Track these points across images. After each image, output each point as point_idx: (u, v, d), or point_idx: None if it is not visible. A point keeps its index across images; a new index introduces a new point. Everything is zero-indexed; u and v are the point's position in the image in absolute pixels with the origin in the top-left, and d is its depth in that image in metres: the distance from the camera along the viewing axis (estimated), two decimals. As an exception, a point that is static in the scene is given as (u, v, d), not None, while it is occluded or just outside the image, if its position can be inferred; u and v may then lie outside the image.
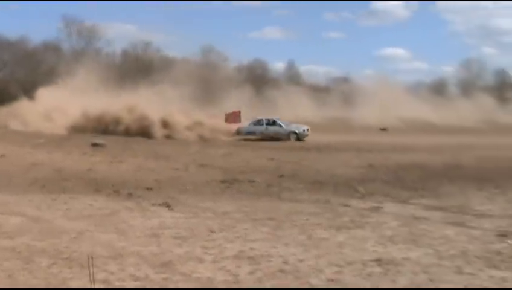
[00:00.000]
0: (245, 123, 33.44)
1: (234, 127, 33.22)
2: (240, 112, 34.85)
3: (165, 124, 31.18)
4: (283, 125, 33.11)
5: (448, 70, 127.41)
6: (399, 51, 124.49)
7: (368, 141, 28.89)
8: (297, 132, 32.75)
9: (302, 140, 31.53)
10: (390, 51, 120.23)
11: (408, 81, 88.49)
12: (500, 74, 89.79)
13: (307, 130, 33.01)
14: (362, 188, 12.68)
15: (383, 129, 40.33)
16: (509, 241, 7.84)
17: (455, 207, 10.68)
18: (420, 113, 42.09)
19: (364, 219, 9.40)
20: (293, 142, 30.93)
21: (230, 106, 35.08)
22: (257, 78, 60.45)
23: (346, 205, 10.68)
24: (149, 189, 12.55)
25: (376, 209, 10.34)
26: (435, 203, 11.16)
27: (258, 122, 33.63)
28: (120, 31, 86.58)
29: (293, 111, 37.59)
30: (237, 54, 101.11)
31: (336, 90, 51.04)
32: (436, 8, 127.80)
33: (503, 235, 8.22)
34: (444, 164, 18.47)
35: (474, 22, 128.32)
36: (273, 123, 33.38)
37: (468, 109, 48.55)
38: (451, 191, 12.71)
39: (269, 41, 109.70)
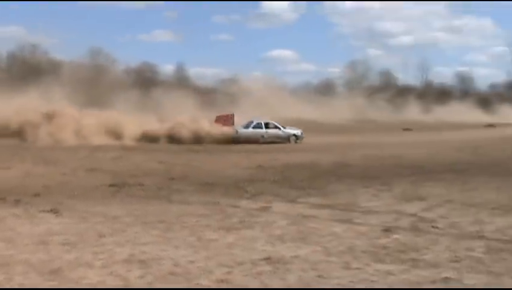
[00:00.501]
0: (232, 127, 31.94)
1: (225, 128, 31.66)
2: (233, 115, 33.74)
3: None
4: (282, 128, 32.83)
5: (335, 71, 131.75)
6: (287, 53, 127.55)
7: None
8: (297, 134, 32.82)
9: (299, 142, 32.00)
10: (279, 52, 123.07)
11: (296, 83, 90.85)
12: (385, 75, 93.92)
13: (302, 132, 33.12)
14: (251, 189, 12.84)
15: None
16: (394, 236, 8.19)
17: (342, 205, 10.99)
18: (304, 113, 43.20)
19: (254, 219, 9.49)
20: (293, 144, 31.44)
21: (118, 108, 34.34)
22: (146, 81, 59.93)
23: (236, 206, 10.74)
24: (37, 195, 12.06)
25: (265, 209, 10.48)
26: (322, 201, 11.43)
27: (257, 126, 32.49)
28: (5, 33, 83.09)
29: (179, 113, 37.38)
30: (126, 56, 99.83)
31: (223, 92, 51.33)
32: (323, 11, 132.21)
33: (388, 230, 8.58)
34: (331, 163, 19.07)
35: (361, 25, 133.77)
36: (274, 126, 32.83)
37: (345, 108, 50.44)
38: (339, 189, 13.08)
39: (159, 43, 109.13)
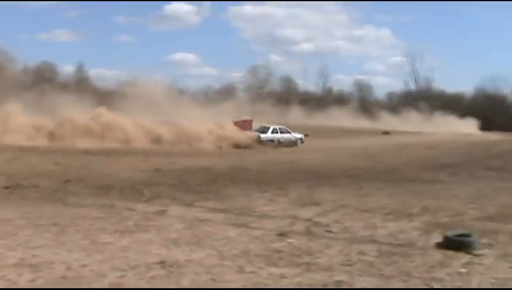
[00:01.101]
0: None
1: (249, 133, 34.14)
2: (252, 121, 36.54)
3: None
4: (291, 133, 37.21)
5: (237, 76, 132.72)
6: (189, 56, 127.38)
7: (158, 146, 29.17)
8: (301, 138, 38.01)
9: (302, 144, 37.23)
10: (181, 56, 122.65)
11: (197, 87, 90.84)
12: (286, 81, 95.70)
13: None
14: (148, 192, 12.82)
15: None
16: (288, 240, 8.37)
17: (238, 209, 11.11)
18: (202, 118, 43.15)
19: (149, 222, 9.49)
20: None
21: (16, 108, 32.93)
22: (45, 81, 57.99)
23: (132, 209, 10.68)
24: None
25: (161, 212, 10.48)
26: (219, 205, 11.53)
27: (274, 131, 36.13)
28: None
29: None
30: (25, 55, 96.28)
31: (122, 94, 50.37)
32: (226, 16, 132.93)
33: (283, 234, 8.74)
34: (229, 168, 19.27)
35: (263, 30, 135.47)
36: (286, 131, 37.08)
37: (238, 113, 50.82)
38: (235, 194, 13.23)
39: (59, 43, 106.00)
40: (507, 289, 6.50)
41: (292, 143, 36.19)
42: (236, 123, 35.40)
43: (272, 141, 35.08)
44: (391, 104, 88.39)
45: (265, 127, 36.24)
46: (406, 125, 70.84)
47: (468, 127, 72.57)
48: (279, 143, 35.12)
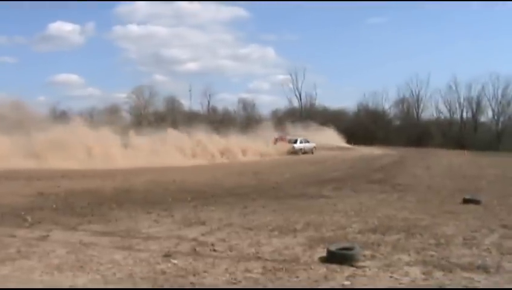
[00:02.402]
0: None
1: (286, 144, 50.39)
2: (286, 136, 53.76)
3: None
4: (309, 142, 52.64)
5: (121, 96, 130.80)
6: (73, 77, 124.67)
7: (37, 168, 28.24)
8: (315, 146, 52.99)
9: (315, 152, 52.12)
10: (65, 77, 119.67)
11: (81, 108, 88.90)
12: (170, 101, 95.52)
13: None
14: (30, 217, 12.44)
15: None
16: (173, 261, 8.43)
17: (123, 231, 11.01)
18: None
19: (32, 248, 9.25)
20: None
21: None
22: None
23: (13, 236, 10.34)
24: None
25: (44, 237, 10.23)
26: (103, 228, 11.39)
27: (302, 141, 51.87)
28: None
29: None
30: None
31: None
32: (111, 36, 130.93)
33: (168, 255, 8.80)
34: (115, 189, 19.02)
35: (147, 51, 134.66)
36: (307, 141, 52.55)
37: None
38: (120, 216, 13.07)
39: None
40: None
41: (310, 150, 50.95)
42: (282, 138, 51.79)
43: (300, 149, 49.67)
44: (275, 121, 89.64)
45: (295, 139, 51.15)
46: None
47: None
48: (304, 151, 49.71)
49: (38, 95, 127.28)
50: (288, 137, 53.16)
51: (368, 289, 6.75)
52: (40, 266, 8.08)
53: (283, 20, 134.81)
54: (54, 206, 14.49)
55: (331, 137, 76.00)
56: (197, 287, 6.25)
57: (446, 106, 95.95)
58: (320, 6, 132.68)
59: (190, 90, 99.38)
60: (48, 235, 10.45)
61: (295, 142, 50.52)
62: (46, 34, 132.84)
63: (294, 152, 49.10)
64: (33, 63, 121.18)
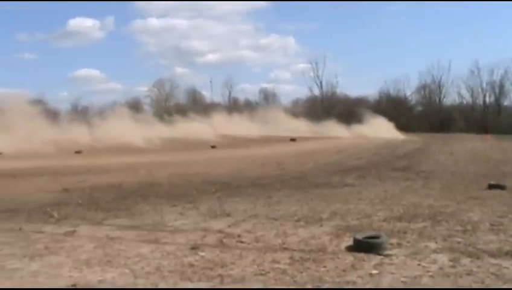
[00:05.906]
0: None
1: None
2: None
3: None
4: None
5: (142, 90, 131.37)
6: (94, 72, 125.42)
7: (62, 164, 28.46)
8: None
9: None
10: (86, 72, 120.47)
11: (103, 102, 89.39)
12: (191, 93, 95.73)
13: None
14: (56, 213, 12.51)
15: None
16: (201, 253, 8.43)
17: (149, 225, 11.03)
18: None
19: (59, 244, 9.31)
20: None
21: None
22: None
23: (40, 232, 10.41)
24: None
25: (71, 233, 10.28)
26: (129, 222, 11.41)
27: None
28: None
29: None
30: None
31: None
32: (130, 30, 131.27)
33: (195, 248, 8.80)
34: (138, 183, 19.06)
35: (167, 43, 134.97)
36: None
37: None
38: (146, 210, 13.08)
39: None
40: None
41: None
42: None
43: None
44: (295, 111, 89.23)
45: None
46: (323, 131, 72.32)
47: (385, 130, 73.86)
48: None
49: (61, 91, 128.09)
50: None
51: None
52: (68, 261, 8.12)
53: (302, 9, 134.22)
54: (80, 201, 14.56)
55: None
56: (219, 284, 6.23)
57: (468, 91, 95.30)
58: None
59: (211, 82, 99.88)
60: (74, 231, 10.50)
61: None
62: (66, 30, 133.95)
63: None
64: (54, 59, 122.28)
